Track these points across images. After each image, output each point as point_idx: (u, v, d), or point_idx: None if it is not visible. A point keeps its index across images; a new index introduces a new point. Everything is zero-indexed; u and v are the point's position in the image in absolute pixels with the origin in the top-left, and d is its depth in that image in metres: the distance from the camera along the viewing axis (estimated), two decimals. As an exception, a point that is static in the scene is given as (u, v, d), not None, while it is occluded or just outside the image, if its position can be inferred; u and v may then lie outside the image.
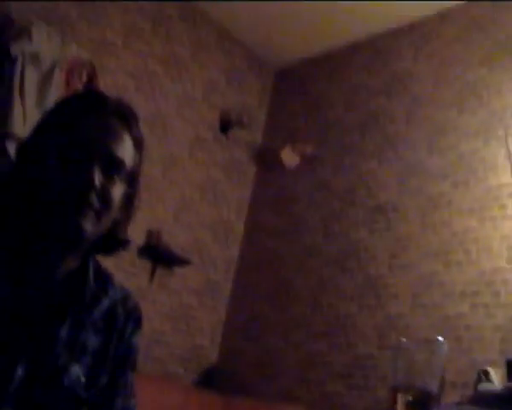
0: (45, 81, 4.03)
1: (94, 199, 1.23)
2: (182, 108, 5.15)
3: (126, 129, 1.30)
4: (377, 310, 4.25)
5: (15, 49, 3.89)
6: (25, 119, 3.81)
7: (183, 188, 5.07)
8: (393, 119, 4.75)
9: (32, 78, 3.97)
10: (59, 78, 4.12)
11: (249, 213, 5.54)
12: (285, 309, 4.83)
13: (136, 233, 4.27)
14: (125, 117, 1.31)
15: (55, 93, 4.04)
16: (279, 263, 5.05)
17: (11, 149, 3.68)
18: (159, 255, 4.69)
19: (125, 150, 1.29)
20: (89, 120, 1.27)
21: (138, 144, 1.34)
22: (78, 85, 4.15)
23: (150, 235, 4.63)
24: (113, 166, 1.27)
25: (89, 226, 1.23)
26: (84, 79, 4.25)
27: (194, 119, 5.23)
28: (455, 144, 4.26)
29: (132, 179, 1.34)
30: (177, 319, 4.89)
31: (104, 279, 1.39)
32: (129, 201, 1.35)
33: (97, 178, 1.23)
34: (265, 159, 5.56)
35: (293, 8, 5.04)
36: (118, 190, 1.29)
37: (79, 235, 1.23)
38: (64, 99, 1.38)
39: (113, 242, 1.37)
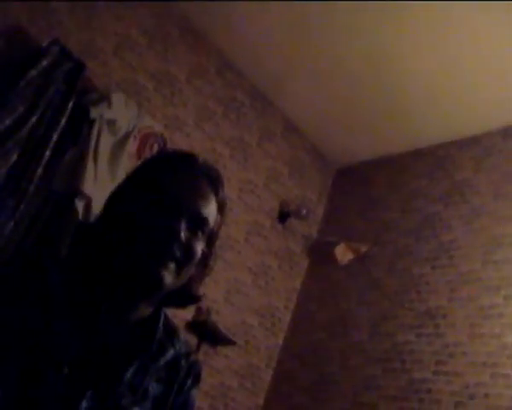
0: (119, 148, 4.17)
1: (177, 251, 1.27)
2: (243, 193, 5.27)
3: (213, 191, 1.37)
4: (419, 414, 4.19)
5: (94, 112, 4.04)
6: (95, 180, 3.92)
7: (236, 270, 5.14)
8: (450, 227, 4.76)
9: (106, 143, 4.11)
10: (131, 147, 4.28)
11: (297, 303, 5.55)
12: (325, 404, 4.78)
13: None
14: (213, 179, 1.38)
15: (126, 161, 4.17)
16: (322, 357, 5.02)
17: (80, 207, 3.79)
18: (205, 332, 4.70)
19: (210, 211, 1.35)
20: (179, 177, 1.33)
21: (222, 207, 1.40)
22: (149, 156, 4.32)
23: (200, 311, 4.69)
24: (198, 223, 1.32)
25: (169, 278, 1.26)
26: (155, 151, 4.40)
27: (254, 205, 5.34)
28: (511, 258, 4.27)
29: (211, 240, 1.39)
30: (216, 399, 4.87)
31: (171, 331, 1.43)
32: (205, 260, 1.39)
33: (183, 232, 1.27)
34: (319, 252, 5.61)
35: (359, 110, 5.21)
36: (199, 247, 1.33)
37: (159, 285, 1.26)
38: (156, 155, 1.48)
39: (185, 296, 1.40)
